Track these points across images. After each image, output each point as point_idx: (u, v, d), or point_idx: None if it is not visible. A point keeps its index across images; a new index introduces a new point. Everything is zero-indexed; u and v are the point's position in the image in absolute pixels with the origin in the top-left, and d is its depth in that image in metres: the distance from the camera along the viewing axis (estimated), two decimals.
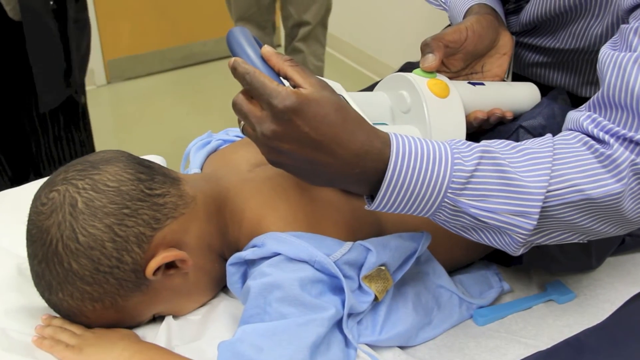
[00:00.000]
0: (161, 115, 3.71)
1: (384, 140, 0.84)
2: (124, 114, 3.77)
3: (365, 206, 0.88)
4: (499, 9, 1.21)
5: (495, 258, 1.18)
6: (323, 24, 3.24)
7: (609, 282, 1.18)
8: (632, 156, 0.87)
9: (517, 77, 1.29)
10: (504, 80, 1.20)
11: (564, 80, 1.28)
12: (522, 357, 1.00)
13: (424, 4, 1.37)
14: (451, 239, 1.03)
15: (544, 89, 1.25)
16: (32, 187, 0.98)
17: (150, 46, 4.13)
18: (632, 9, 0.93)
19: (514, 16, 1.27)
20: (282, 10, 3.23)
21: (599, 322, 1.06)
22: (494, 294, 1.11)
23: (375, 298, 0.96)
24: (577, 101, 1.01)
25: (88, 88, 2.30)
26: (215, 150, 1.18)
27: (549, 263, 1.16)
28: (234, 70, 0.82)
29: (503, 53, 1.19)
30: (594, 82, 1.26)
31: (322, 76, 1.00)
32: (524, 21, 1.23)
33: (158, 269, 0.92)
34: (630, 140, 0.87)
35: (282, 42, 4.27)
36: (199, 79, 4.09)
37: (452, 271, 1.14)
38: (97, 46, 3.91)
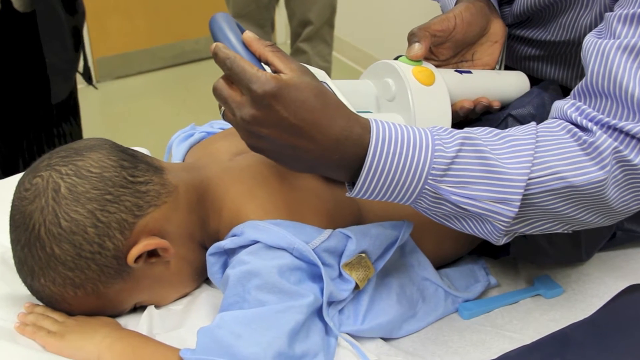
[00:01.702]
0: (151, 116, 3.73)
1: (364, 125, 0.88)
2: (113, 114, 3.80)
3: (346, 193, 0.92)
4: None
5: (484, 251, 1.22)
6: (329, 23, 3.30)
7: (598, 276, 1.22)
8: (615, 143, 0.91)
9: (510, 70, 1.33)
10: (494, 70, 1.24)
11: (558, 73, 1.32)
12: (507, 350, 1.04)
13: (430, 5, 1.40)
14: (439, 231, 1.08)
15: (538, 83, 1.28)
16: (16, 180, 1.03)
17: (141, 44, 4.16)
18: None
19: (508, 7, 1.30)
20: (286, 8, 3.29)
21: (586, 316, 1.10)
22: (480, 288, 1.15)
23: (356, 286, 1.00)
24: None
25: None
26: (198, 142, 1.23)
27: (537, 256, 1.20)
28: (215, 55, 0.87)
29: (494, 41, 1.23)
30: None
31: (330, 77, 1.05)
32: (516, 12, 1.27)
33: (140, 256, 0.97)
34: (614, 128, 0.92)
35: (278, 39, 4.32)
36: (191, 78, 4.11)
37: (441, 266, 1.18)
38: (86, 44, 3.93)
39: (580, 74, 1.29)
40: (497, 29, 1.22)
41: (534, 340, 1.06)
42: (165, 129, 3.58)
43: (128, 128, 3.59)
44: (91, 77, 2.22)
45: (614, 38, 0.94)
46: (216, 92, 0.89)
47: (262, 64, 0.89)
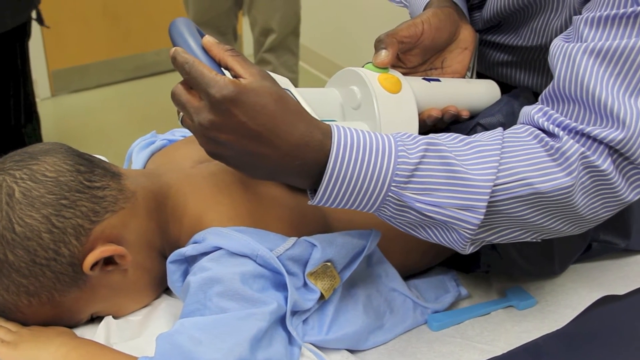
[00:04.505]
0: (110, 131, 3.74)
1: (325, 131, 0.93)
2: (69, 130, 3.80)
3: (309, 201, 0.96)
4: (460, 2, 1.29)
5: (455, 264, 1.27)
6: (294, 33, 3.34)
7: (571, 287, 1.26)
8: (582, 149, 0.96)
9: (483, 77, 1.37)
10: (465, 77, 1.28)
11: (531, 80, 1.36)
12: None
13: (399, 13, 1.45)
14: (407, 241, 1.12)
15: (511, 90, 1.33)
16: None
17: (99, 56, 4.17)
18: (586, 0, 1.02)
19: (478, 12, 1.35)
20: (248, 15, 3.34)
21: (559, 328, 1.15)
22: (450, 299, 1.19)
23: (322, 296, 1.04)
24: None
25: None
26: (159, 150, 1.27)
27: (509, 268, 1.24)
28: (174, 59, 0.91)
29: (464, 48, 1.27)
30: None
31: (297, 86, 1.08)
32: (486, 17, 1.32)
33: (96, 264, 1.00)
34: (582, 133, 0.96)
35: (245, 51, 4.36)
36: (152, 92, 4.12)
37: (409, 276, 1.22)
38: (41, 55, 3.96)
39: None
40: (467, 35, 1.27)
41: (505, 352, 1.11)
42: (125, 146, 3.57)
43: (86, 144, 3.59)
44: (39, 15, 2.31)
45: (581, 41, 0.98)
46: (174, 97, 0.92)
47: (223, 69, 0.93)
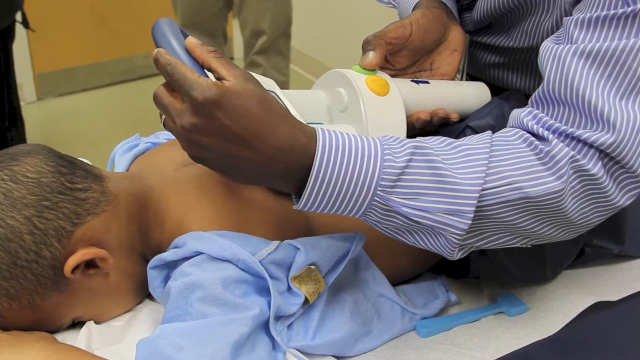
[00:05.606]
0: (97, 136, 3.74)
1: (310, 134, 0.93)
2: (55, 134, 3.81)
3: (293, 205, 0.97)
4: (450, 3, 1.30)
5: (445, 270, 1.28)
6: (285, 34, 3.35)
7: (564, 293, 1.27)
8: (572, 152, 0.96)
9: (474, 79, 1.38)
10: (454, 79, 1.29)
11: (522, 82, 1.37)
12: None
13: (391, 15, 1.46)
14: (395, 246, 1.13)
15: (502, 92, 1.34)
16: None
17: (86, 59, 4.17)
18: (577, 1, 1.03)
19: (468, 13, 1.37)
20: (238, 17, 3.35)
21: (550, 334, 1.16)
22: (439, 305, 1.20)
23: (306, 301, 1.04)
24: None
25: None
26: (142, 153, 1.28)
27: (500, 274, 1.25)
28: (156, 61, 0.92)
29: (453, 49, 1.28)
30: None
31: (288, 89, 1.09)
32: (476, 18, 1.33)
33: (77, 267, 1.01)
34: (572, 137, 0.97)
35: (235, 54, 4.37)
36: (140, 96, 4.12)
37: (398, 283, 1.23)
38: (27, 58, 3.96)
39: None
40: (456, 37, 1.28)
41: (495, 358, 1.11)
42: (112, 151, 3.57)
43: (72, 149, 3.56)
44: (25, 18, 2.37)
45: (571, 43, 0.99)
46: (156, 99, 0.93)
47: (206, 71, 0.94)
